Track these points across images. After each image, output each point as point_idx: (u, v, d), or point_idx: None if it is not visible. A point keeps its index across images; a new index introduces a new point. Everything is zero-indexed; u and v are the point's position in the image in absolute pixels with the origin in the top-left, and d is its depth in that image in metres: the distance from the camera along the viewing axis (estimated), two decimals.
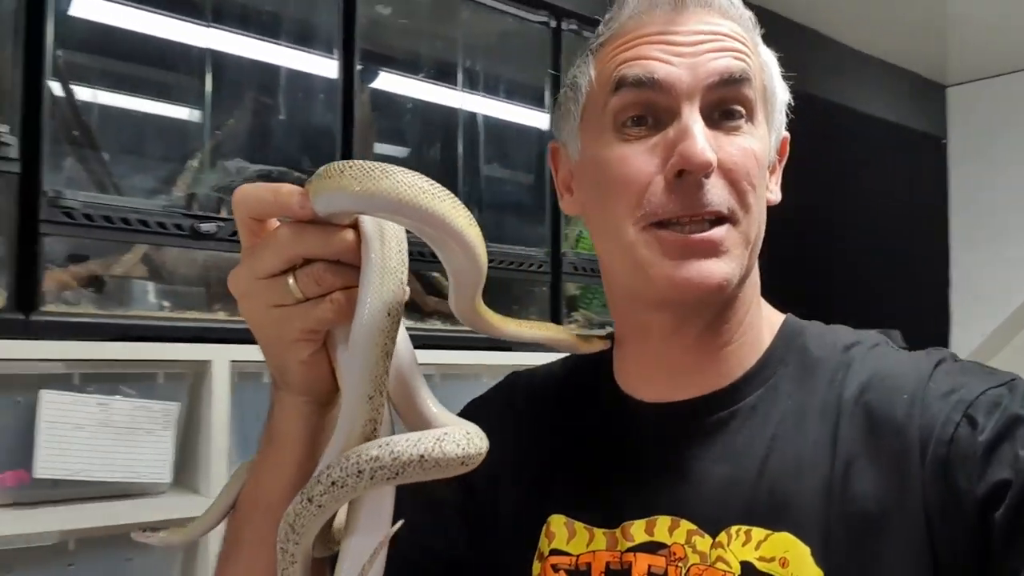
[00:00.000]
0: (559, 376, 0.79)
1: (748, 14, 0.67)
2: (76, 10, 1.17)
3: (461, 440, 0.47)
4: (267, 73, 1.39)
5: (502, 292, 1.70)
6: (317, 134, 1.42)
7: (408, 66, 1.60)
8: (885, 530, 0.58)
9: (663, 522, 0.64)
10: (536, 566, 0.69)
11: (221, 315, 1.18)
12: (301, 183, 0.47)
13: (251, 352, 1.10)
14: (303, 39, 1.41)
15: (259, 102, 1.38)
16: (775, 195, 0.69)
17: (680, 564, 0.63)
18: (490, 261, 0.49)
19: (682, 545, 0.63)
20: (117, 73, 1.30)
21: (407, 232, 0.49)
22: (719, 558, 0.61)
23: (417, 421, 0.53)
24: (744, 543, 0.61)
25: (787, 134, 0.71)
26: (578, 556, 0.67)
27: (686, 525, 0.63)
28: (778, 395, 0.65)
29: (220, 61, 1.31)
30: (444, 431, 0.46)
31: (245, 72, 1.36)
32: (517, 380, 0.81)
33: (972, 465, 0.56)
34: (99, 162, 1.15)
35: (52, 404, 0.95)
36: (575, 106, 0.68)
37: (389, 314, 0.47)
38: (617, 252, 0.65)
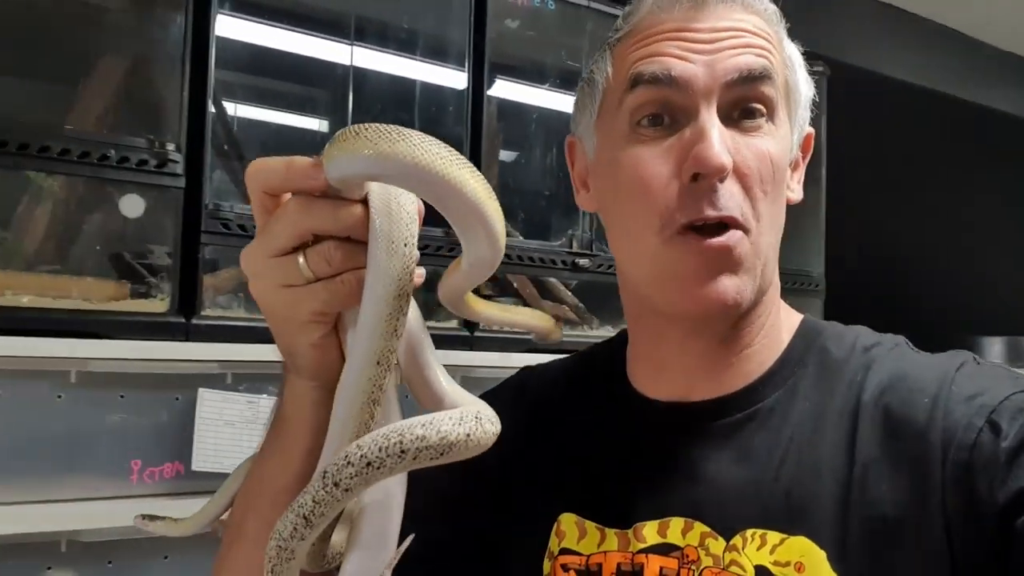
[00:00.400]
0: (572, 372, 0.78)
1: (772, 8, 0.65)
2: (232, 32, 1.25)
3: (494, 419, 0.45)
4: (402, 86, 1.45)
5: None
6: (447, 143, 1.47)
7: (534, 75, 1.63)
8: (903, 535, 0.56)
9: (676, 523, 0.63)
10: (546, 565, 0.68)
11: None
12: None
13: None
14: (436, 53, 1.46)
15: (394, 114, 1.45)
16: (796, 194, 0.68)
17: (693, 567, 0.62)
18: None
19: (695, 547, 0.62)
20: (264, 89, 1.40)
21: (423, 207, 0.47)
22: (733, 561, 0.60)
23: (430, 399, 0.52)
24: (759, 547, 0.60)
25: (811, 130, 0.69)
26: (589, 556, 0.66)
27: (700, 527, 0.62)
28: (796, 397, 0.64)
29: (360, 76, 1.38)
30: (478, 410, 0.44)
31: (383, 86, 1.42)
32: (529, 375, 0.80)
33: (994, 471, 0.54)
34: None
35: (208, 402, 1.04)
36: (591, 102, 0.67)
37: (396, 295, 0.44)
38: (636, 259, 0.65)
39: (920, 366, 0.63)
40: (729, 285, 0.59)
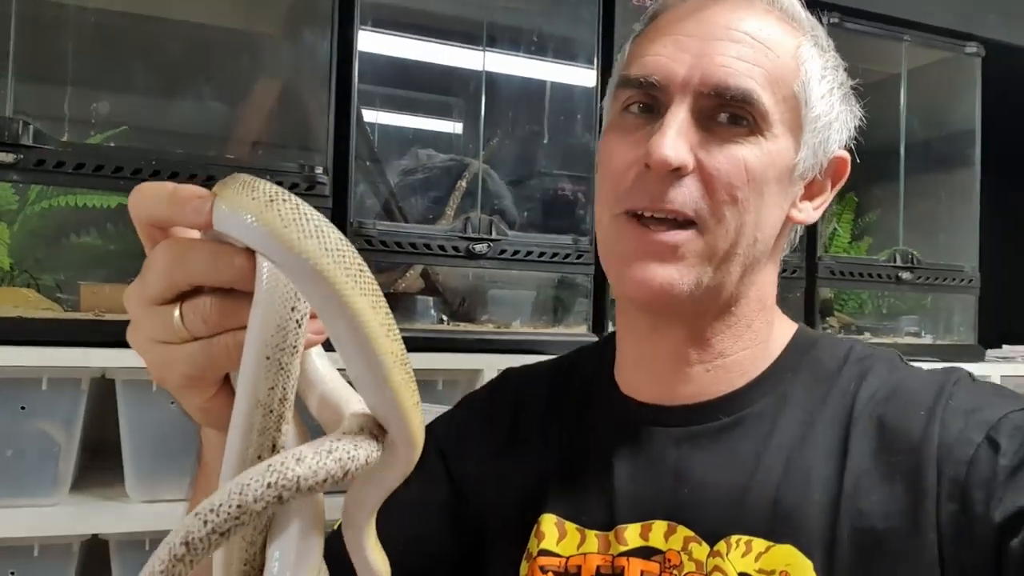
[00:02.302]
0: (556, 372, 0.77)
1: (802, 15, 0.64)
2: (373, 47, 1.31)
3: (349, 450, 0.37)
4: (532, 88, 1.47)
5: None
6: (576, 145, 1.49)
7: None
8: (893, 548, 0.55)
9: (659, 527, 0.62)
10: (524, 566, 0.67)
11: (489, 326, 1.30)
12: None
13: (518, 361, 1.22)
14: (565, 54, 1.47)
15: (526, 113, 1.47)
16: (804, 215, 0.66)
17: (675, 571, 0.60)
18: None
19: (678, 552, 0.61)
20: (400, 98, 1.45)
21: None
22: (716, 567, 0.59)
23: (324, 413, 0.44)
24: (744, 553, 0.59)
25: (843, 154, 0.67)
26: (568, 558, 0.65)
27: (683, 531, 0.61)
28: (786, 404, 0.63)
29: (492, 81, 1.42)
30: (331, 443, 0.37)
31: (514, 89, 1.45)
32: (508, 376, 0.80)
33: (991, 489, 0.53)
34: (387, 188, 1.31)
35: None
36: (612, 82, 0.68)
37: (276, 363, 0.37)
38: (599, 237, 0.66)
39: (915, 379, 0.62)
40: (659, 273, 0.60)
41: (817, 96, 0.63)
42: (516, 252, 1.27)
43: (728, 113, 0.60)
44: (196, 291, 0.39)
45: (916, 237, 1.72)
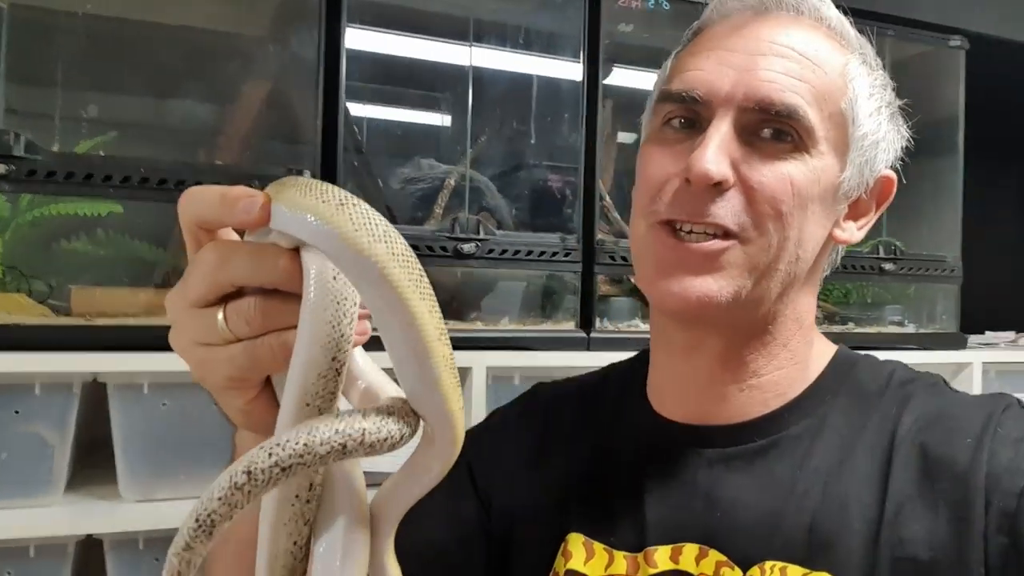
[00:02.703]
0: (587, 388, 0.75)
1: (851, 32, 0.63)
2: (360, 44, 1.31)
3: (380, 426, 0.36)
4: (518, 82, 1.47)
5: None
6: (563, 141, 1.49)
7: (649, 63, 1.61)
8: None
9: (690, 550, 0.60)
10: None
11: (478, 324, 1.31)
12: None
13: (505, 358, 1.24)
14: (551, 48, 1.47)
15: (513, 108, 1.47)
16: (848, 235, 0.64)
17: None
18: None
19: None
20: (388, 93, 1.46)
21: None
22: None
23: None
24: None
25: (890, 174, 0.65)
26: None
27: (715, 556, 0.59)
28: (825, 427, 0.61)
29: (479, 77, 1.42)
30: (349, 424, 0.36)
31: (500, 85, 1.45)
32: (540, 390, 0.78)
33: None
34: (375, 186, 1.32)
35: None
36: (652, 95, 0.67)
37: (324, 369, 0.37)
38: (633, 248, 0.65)
39: (961, 405, 0.60)
40: (697, 284, 0.58)
41: (865, 114, 0.62)
42: (504, 251, 1.29)
43: (772, 129, 0.58)
44: (239, 293, 0.39)
45: (900, 227, 1.74)
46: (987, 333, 1.96)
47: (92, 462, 1.13)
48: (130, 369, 1.02)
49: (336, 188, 0.36)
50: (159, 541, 1.06)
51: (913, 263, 1.68)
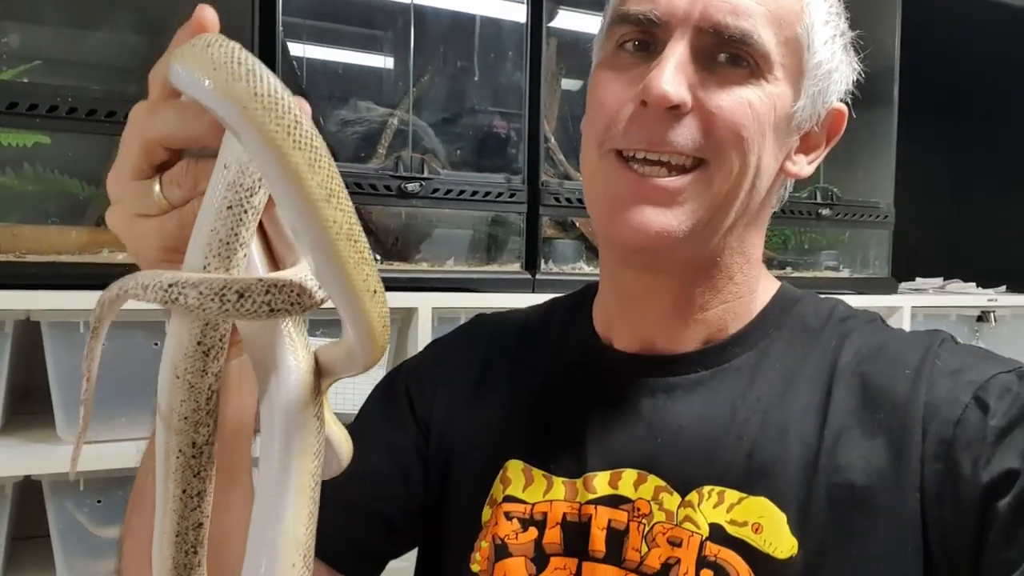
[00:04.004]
0: (531, 319, 0.75)
1: None
2: None
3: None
4: (460, 24, 1.45)
5: None
6: (507, 82, 1.48)
7: (594, 5, 1.61)
8: (872, 505, 0.54)
9: (629, 475, 0.60)
10: (486, 511, 0.65)
11: (424, 265, 1.31)
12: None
13: (450, 299, 1.24)
14: None
15: (456, 48, 1.45)
16: (799, 168, 0.63)
17: (643, 521, 0.59)
18: None
19: (648, 501, 0.59)
20: (327, 31, 1.42)
21: None
22: (687, 518, 0.58)
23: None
24: (716, 504, 0.57)
25: (841, 107, 0.64)
26: (534, 505, 0.63)
27: (654, 481, 0.59)
28: (767, 359, 0.62)
29: (421, 15, 1.39)
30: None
31: (442, 25, 1.43)
32: (482, 321, 0.78)
33: (979, 450, 0.52)
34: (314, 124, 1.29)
35: None
36: (604, 18, 0.64)
37: (223, 218, 0.36)
38: (584, 178, 0.63)
39: (900, 339, 0.62)
40: (657, 219, 0.57)
41: (820, 41, 0.60)
42: (449, 191, 1.28)
43: (728, 54, 0.57)
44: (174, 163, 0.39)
45: (835, 174, 1.79)
46: (917, 279, 2.04)
47: (28, 404, 1.11)
48: (65, 307, 0.99)
49: (215, 36, 0.34)
50: (99, 482, 1.04)
51: (848, 209, 1.73)
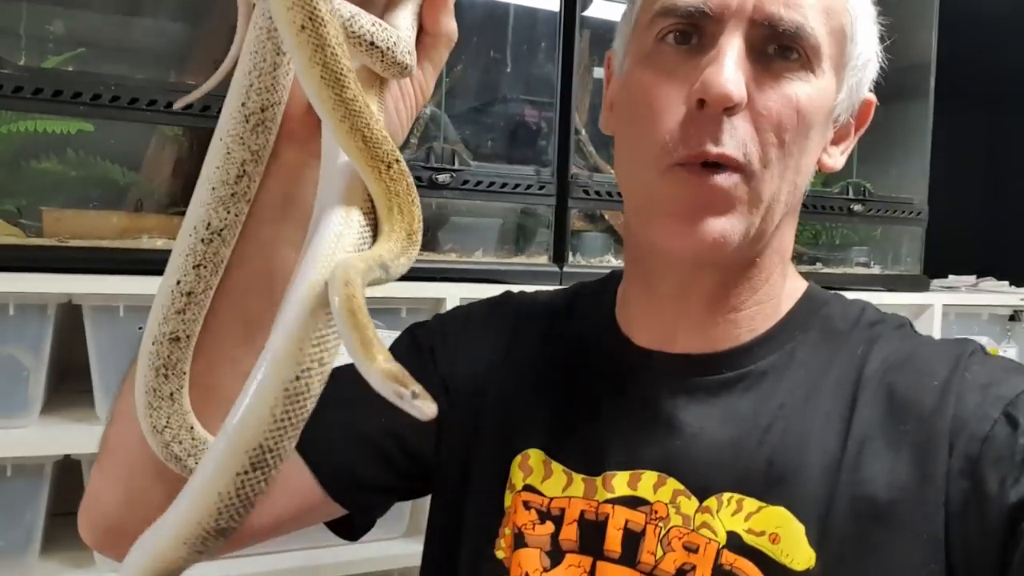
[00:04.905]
0: (557, 305, 0.74)
1: None
2: None
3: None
4: (494, 14, 1.45)
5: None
6: (539, 73, 1.48)
7: None
8: (894, 520, 0.53)
9: (648, 477, 0.60)
10: (508, 496, 0.64)
11: (452, 256, 1.32)
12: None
13: (478, 290, 1.25)
14: None
15: (487, 45, 1.46)
16: (834, 161, 0.63)
17: (660, 524, 0.58)
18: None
19: (666, 504, 0.58)
20: None
21: None
22: (704, 524, 0.57)
23: None
24: (734, 512, 0.56)
25: (871, 97, 0.64)
26: (552, 499, 0.62)
27: (673, 484, 0.59)
28: (792, 363, 0.61)
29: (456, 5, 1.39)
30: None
31: (476, 15, 1.43)
32: (509, 299, 0.76)
33: (1007, 468, 0.51)
34: None
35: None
36: (631, 12, 0.63)
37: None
38: (633, 188, 0.61)
39: (929, 348, 0.60)
40: (715, 226, 0.56)
41: (862, 32, 0.60)
42: (479, 183, 1.29)
43: (778, 45, 0.56)
44: None
45: (868, 169, 1.77)
46: (950, 277, 2.01)
47: (69, 384, 1.14)
48: (105, 291, 1.02)
49: None
50: None
51: (880, 205, 1.71)
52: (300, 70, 0.39)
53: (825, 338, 0.62)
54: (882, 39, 0.64)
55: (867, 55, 0.61)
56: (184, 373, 0.46)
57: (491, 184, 1.30)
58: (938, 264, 1.91)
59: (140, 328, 0.44)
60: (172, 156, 1.17)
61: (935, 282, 1.91)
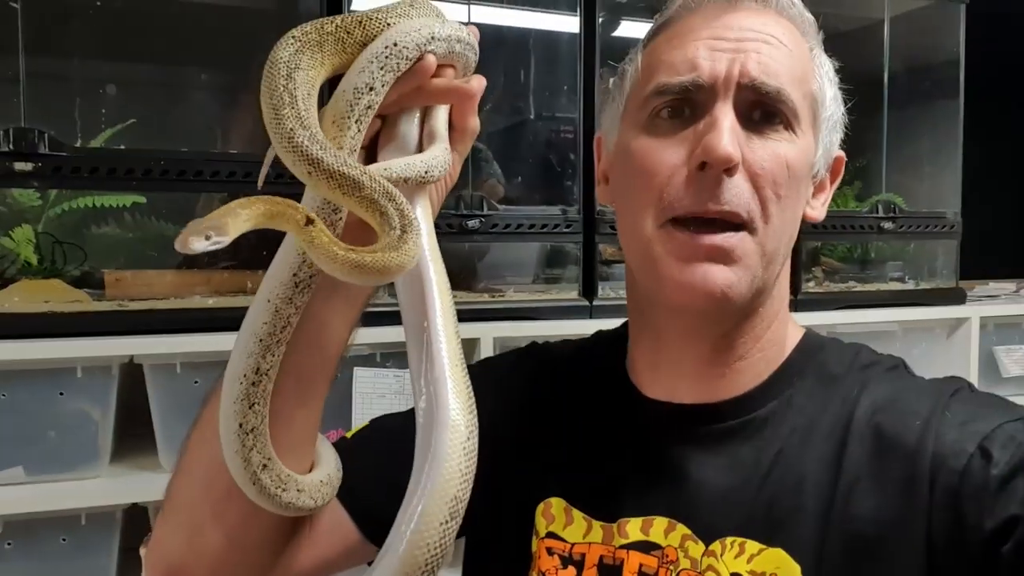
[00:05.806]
0: (575, 356, 0.78)
1: (808, 18, 0.66)
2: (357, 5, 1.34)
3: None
4: (517, 36, 1.47)
5: None
6: (563, 111, 1.52)
7: (647, 12, 1.60)
8: (883, 555, 0.57)
9: (660, 523, 0.64)
10: (534, 543, 0.68)
11: (485, 296, 1.38)
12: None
13: (512, 328, 1.30)
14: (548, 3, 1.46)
15: (513, 63, 1.49)
16: (817, 212, 0.68)
17: (671, 567, 0.62)
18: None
19: (675, 548, 0.63)
20: None
21: None
22: (710, 567, 0.61)
23: None
24: (737, 555, 0.60)
25: (841, 153, 0.70)
26: (573, 545, 0.66)
27: (682, 529, 0.63)
28: (790, 410, 0.65)
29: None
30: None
31: (500, 38, 1.45)
32: (534, 351, 0.81)
33: (983, 498, 0.54)
34: None
35: (362, 378, 1.21)
36: (619, 95, 0.68)
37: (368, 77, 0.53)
38: (636, 247, 0.64)
39: (915, 389, 0.64)
40: (719, 275, 0.59)
41: (829, 96, 0.66)
42: (507, 225, 1.34)
43: (762, 111, 0.61)
44: None
45: (899, 181, 1.76)
46: (991, 284, 1.98)
47: (133, 435, 1.22)
48: (163, 351, 1.10)
49: None
50: None
51: (912, 220, 1.71)
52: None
53: (821, 383, 0.66)
54: (845, 102, 0.70)
55: (836, 116, 0.67)
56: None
57: (519, 226, 1.35)
58: (976, 269, 1.88)
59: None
60: None
61: (974, 290, 1.88)
